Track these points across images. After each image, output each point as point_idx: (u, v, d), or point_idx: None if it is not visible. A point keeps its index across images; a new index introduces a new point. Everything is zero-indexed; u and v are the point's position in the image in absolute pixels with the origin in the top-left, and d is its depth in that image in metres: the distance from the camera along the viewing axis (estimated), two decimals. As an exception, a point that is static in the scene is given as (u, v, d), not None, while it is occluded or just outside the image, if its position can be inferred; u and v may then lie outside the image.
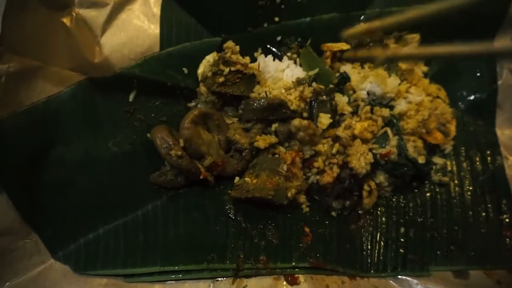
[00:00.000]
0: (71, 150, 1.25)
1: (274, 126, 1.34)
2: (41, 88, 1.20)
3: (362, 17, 1.47)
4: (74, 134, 1.25)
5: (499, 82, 1.48)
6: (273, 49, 1.48)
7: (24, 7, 1.15)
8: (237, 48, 1.39)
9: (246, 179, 1.29)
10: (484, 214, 1.37)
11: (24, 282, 1.16)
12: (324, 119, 1.30)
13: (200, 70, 1.38)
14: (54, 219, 1.23)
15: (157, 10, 1.35)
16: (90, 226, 1.27)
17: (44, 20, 1.20)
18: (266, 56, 1.46)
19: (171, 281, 1.23)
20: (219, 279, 1.24)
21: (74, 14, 1.25)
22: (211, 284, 1.23)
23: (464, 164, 1.45)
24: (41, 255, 1.21)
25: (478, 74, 1.52)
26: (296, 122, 1.27)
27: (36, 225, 1.21)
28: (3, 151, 1.14)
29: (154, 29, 1.35)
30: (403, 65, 1.39)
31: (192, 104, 1.42)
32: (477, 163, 1.46)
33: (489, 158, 1.46)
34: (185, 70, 1.38)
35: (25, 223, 1.18)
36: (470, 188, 1.42)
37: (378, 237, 1.35)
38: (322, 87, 1.35)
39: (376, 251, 1.33)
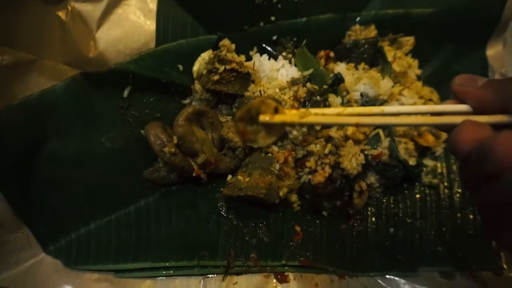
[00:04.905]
0: (65, 145, 1.24)
1: (268, 125, 1.35)
2: (35, 82, 1.19)
3: (358, 18, 1.48)
4: (68, 129, 1.25)
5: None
6: (269, 48, 1.48)
7: (19, 0, 1.15)
8: (233, 46, 1.39)
9: (239, 177, 1.30)
10: (471, 216, 1.39)
11: (14, 276, 1.16)
12: (318, 120, 1.30)
13: (195, 68, 1.38)
14: (46, 213, 1.23)
15: (153, 6, 1.35)
16: (82, 221, 1.27)
17: (39, 13, 1.20)
18: (261, 55, 1.46)
19: (161, 277, 1.24)
20: (210, 275, 1.25)
21: (69, 8, 1.25)
22: (202, 281, 1.24)
23: (454, 167, 1.47)
24: (32, 248, 1.21)
25: (471, 78, 1.53)
26: None
27: (27, 218, 1.20)
28: (-4, 145, 1.14)
29: (150, 25, 1.35)
30: (397, 68, 1.40)
31: (187, 101, 1.42)
32: (467, 166, 1.48)
33: (478, 162, 1.48)
34: (180, 67, 1.38)
35: (16, 217, 1.18)
36: (459, 190, 1.43)
37: (367, 237, 1.36)
38: (316, 87, 1.36)
39: (366, 250, 1.35)
